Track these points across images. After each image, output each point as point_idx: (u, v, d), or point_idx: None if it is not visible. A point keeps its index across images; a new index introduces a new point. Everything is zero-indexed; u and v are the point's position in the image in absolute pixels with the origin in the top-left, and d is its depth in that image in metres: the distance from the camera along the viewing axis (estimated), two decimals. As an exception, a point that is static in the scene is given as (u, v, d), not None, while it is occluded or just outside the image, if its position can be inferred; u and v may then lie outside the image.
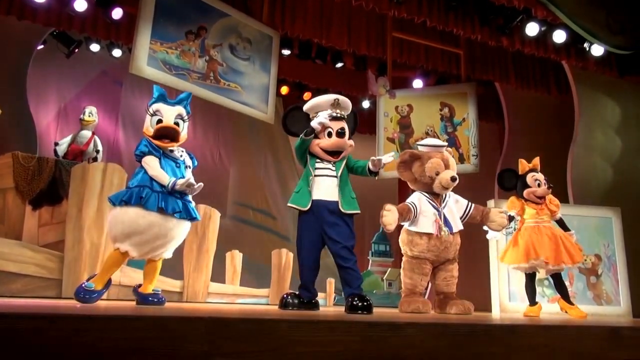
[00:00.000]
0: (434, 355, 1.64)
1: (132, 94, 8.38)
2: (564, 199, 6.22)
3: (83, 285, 2.59)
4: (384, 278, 7.69)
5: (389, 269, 7.76)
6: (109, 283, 2.71)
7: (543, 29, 5.73)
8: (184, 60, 5.24)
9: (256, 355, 1.44)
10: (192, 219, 2.81)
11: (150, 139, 2.81)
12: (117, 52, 7.36)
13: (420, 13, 5.46)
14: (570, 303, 4.04)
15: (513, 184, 4.20)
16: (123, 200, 2.59)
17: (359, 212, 3.06)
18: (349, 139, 3.18)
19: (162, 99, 2.89)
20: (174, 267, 5.14)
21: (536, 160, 4.27)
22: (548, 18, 5.46)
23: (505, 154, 7.57)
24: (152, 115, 2.85)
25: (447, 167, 3.45)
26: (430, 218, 3.39)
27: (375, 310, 2.87)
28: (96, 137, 5.46)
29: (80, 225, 4.26)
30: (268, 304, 5.37)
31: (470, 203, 3.57)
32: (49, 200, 4.37)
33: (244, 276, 5.60)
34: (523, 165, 4.24)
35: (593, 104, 6.53)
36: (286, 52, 6.75)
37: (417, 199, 3.48)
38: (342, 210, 3.00)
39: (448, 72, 6.94)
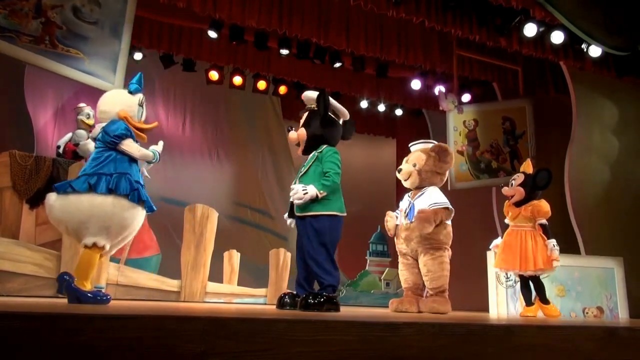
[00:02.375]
0: (431, 355, 1.64)
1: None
2: (561, 201, 6.25)
3: (92, 290, 2.46)
4: (382, 278, 7.69)
5: (387, 269, 7.76)
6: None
7: (541, 29, 5.74)
8: (12, 20, 4.67)
9: (253, 355, 1.44)
10: (151, 210, 2.73)
11: (131, 126, 2.70)
12: (115, 51, 7.34)
13: (419, 13, 5.46)
14: (546, 302, 4.11)
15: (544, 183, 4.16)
16: (110, 188, 2.44)
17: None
18: (321, 125, 3.24)
19: (142, 86, 2.84)
20: (172, 267, 5.15)
21: (525, 164, 4.38)
22: (546, 19, 5.46)
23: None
24: (140, 105, 2.80)
25: (406, 161, 3.71)
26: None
27: (373, 310, 2.88)
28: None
29: (78, 224, 4.25)
30: (266, 304, 5.37)
31: (433, 201, 3.55)
32: (47, 199, 4.36)
33: (242, 276, 5.60)
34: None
35: (591, 104, 6.54)
36: (284, 51, 6.74)
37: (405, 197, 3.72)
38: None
39: (461, 75, 6.96)
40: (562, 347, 1.86)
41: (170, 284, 4.89)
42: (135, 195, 2.53)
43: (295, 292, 3.14)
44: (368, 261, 8.07)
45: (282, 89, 8.15)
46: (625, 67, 6.17)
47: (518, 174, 4.26)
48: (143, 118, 2.84)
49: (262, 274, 5.85)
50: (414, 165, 3.61)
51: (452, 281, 3.51)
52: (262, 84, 7.95)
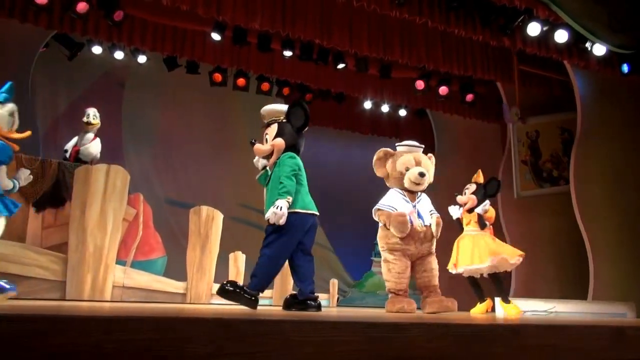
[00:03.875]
0: (438, 356, 1.64)
1: (134, 95, 8.41)
2: (567, 200, 6.23)
3: None
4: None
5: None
6: None
7: (545, 28, 5.72)
8: None
9: (261, 356, 1.44)
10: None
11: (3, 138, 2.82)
12: (118, 54, 7.38)
13: (422, 14, 5.46)
14: (507, 302, 4.38)
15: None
16: None
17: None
18: (295, 135, 3.38)
19: (12, 96, 2.95)
20: (177, 269, 5.16)
21: (476, 175, 4.81)
22: (550, 18, 5.44)
23: (508, 154, 7.59)
24: (10, 115, 2.91)
25: (418, 164, 3.72)
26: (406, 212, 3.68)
27: (379, 311, 2.88)
28: (98, 139, 5.46)
29: (84, 227, 4.27)
30: (271, 305, 5.37)
31: (432, 208, 3.90)
32: (53, 202, 4.39)
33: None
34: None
35: (594, 104, 6.51)
36: (288, 53, 6.75)
37: (391, 197, 3.75)
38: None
39: (461, 74, 6.95)
40: (570, 347, 1.86)
41: (176, 286, 4.90)
42: None
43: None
44: (373, 262, 8.06)
45: (286, 91, 8.17)
46: (629, 66, 6.12)
47: (470, 184, 4.69)
48: (15, 127, 2.93)
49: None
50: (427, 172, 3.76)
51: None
52: (265, 86, 7.96)
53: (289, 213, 3.01)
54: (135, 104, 8.31)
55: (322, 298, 5.91)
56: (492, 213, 4.54)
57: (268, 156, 3.35)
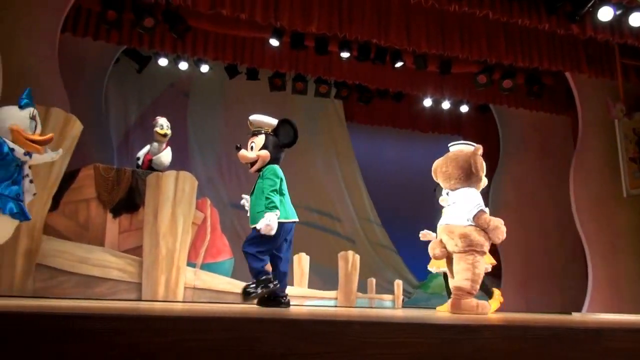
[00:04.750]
0: None
1: (198, 103, 8.74)
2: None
3: None
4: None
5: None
6: None
7: (618, 12, 5.37)
8: None
9: (330, 357, 1.45)
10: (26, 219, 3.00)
11: (23, 140, 2.89)
12: (183, 65, 7.69)
13: (482, 6, 5.30)
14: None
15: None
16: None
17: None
18: (272, 149, 3.61)
19: (32, 101, 2.98)
20: (243, 271, 5.30)
21: None
22: (623, 1, 5.12)
23: (580, 149, 7.18)
24: (31, 118, 2.94)
25: None
26: None
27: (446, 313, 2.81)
28: (169, 148, 5.69)
29: (156, 231, 4.48)
30: (336, 306, 5.39)
31: None
32: (128, 208, 4.64)
33: (311, 278, 5.65)
34: None
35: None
36: (345, 54, 6.76)
37: (480, 197, 3.54)
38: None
39: (526, 66, 6.67)
40: (659, 352, 1.73)
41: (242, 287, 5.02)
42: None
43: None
44: (438, 263, 7.88)
45: (344, 92, 8.19)
46: None
47: None
48: (38, 130, 2.98)
49: (330, 277, 5.89)
50: None
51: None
52: (323, 88, 8.02)
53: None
54: (199, 112, 8.65)
55: (387, 299, 5.88)
56: None
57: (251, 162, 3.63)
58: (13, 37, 4.77)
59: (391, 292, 6.03)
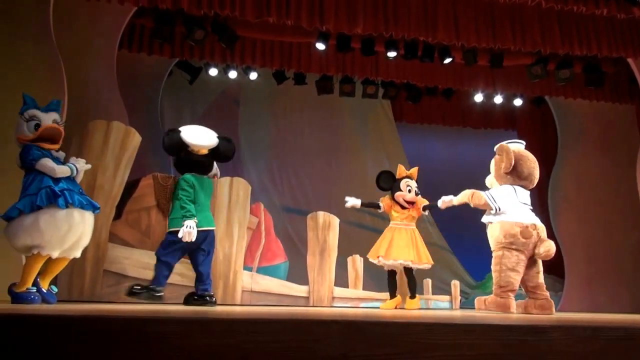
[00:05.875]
0: (584, 361, 1.51)
1: (248, 110, 8.92)
2: None
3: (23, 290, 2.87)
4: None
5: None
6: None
7: (684, -9, 5.04)
8: None
9: (390, 358, 1.44)
10: (95, 209, 3.03)
11: (33, 143, 2.91)
12: (232, 74, 7.87)
13: (532, -6, 5.11)
14: (413, 297, 4.81)
15: (389, 186, 4.98)
16: (37, 205, 2.75)
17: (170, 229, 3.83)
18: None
19: (35, 105, 3.00)
20: (298, 273, 5.36)
21: (414, 170, 5.08)
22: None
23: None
24: (27, 120, 2.94)
25: None
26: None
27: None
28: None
29: (213, 236, 4.60)
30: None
31: None
32: (185, 215, 4.78)
33: (365, 280, 5.63)
34: (400, 170, 5.08)
35: None
36: (392, 54, 6.70)
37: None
38: None
39: (584, 54, 6.35)
40: None
41: (299, 290, 5.08)
42: (62, 203, 2.81)
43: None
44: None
45: (392, 92, 8.12)
46: None
47: (410, 180, 5.00)
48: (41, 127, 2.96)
49: (383, 278, 5.83)
50: None
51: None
52: (371, 89, 7.98)
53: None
54: (249, 119, 8.82)
55: (444, 300, 5.76)
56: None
57: None
58: (75, 56, 5.06)
59: (448, 293, 5.91)
